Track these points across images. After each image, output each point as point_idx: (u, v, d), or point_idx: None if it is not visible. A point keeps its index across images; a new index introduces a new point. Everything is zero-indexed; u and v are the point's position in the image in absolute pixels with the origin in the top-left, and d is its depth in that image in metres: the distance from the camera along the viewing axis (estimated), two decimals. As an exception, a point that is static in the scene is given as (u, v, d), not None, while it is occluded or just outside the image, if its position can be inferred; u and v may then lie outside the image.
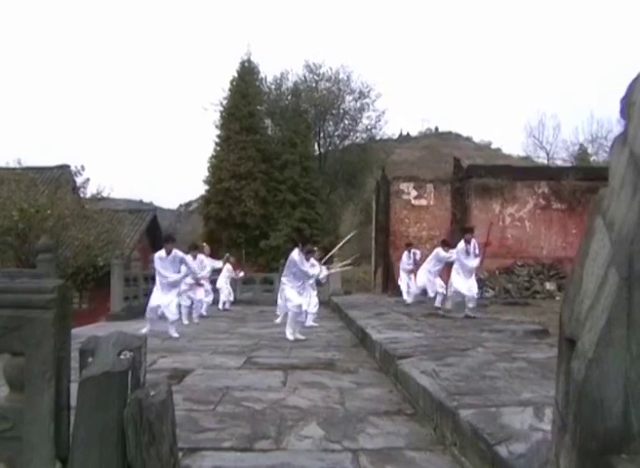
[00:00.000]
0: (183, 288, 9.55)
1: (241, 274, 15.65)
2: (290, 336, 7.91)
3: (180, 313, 9.07)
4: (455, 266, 9.83)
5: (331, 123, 31.54)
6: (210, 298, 12.13)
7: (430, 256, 11.89)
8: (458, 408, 3.02)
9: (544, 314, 9.01)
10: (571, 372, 1.61)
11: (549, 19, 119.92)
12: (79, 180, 19.92)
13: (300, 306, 8.21)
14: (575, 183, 16.32)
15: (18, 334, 1.96)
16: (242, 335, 8.52)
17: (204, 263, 11.17)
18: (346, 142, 32.51)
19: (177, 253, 8.36)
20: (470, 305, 9.29)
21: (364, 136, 32.45)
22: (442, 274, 11.82)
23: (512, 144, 59.71)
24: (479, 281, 16.26)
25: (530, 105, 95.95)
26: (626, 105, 1.61)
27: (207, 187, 27.89)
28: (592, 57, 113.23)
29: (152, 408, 1.89)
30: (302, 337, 7.97)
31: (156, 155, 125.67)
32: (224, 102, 28.16)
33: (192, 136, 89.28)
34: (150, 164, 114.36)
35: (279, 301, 9.33)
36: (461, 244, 9.55)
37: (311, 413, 3.79)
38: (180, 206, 57.10)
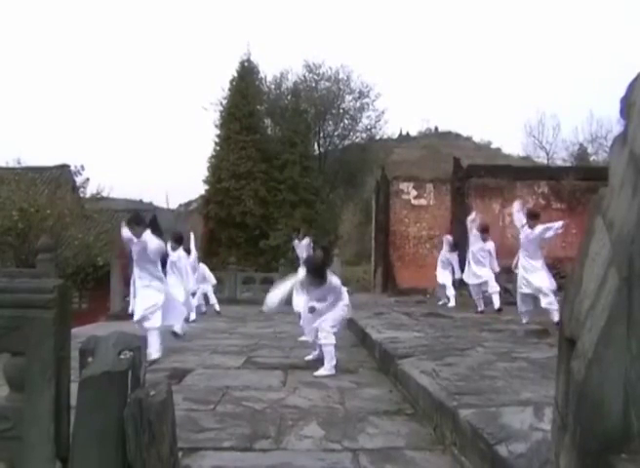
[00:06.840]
0: None
1: None
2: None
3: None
4: None
5: (331, 123, 31.54)
6: None
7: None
8: (457, 407, 3.02)
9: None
10: (571, 372, 1.61)
11: (549, 19, 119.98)
12: (79, 180, 19.93)
13: None
14: (575, 183, 16.30)
15: (18, 334, 1.96)
16: (242, 335, 8.51)
17: None
18: (346, 142, 32.51)
19: None
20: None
21: (364, 135, 32.48)
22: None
23: (512, 144, 59.67)
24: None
25: (530, 105, 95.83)
26: (626, 105, 1.61)
27: (207, 187, 27.88)
28: (593, 56, 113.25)
29: (152, 408, 1.89)
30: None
31: (156, 155, 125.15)
32: (224, 102, 28.17)
33: (192, 136, 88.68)
34: (150, 164, 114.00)
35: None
36: None
37: (311, 413, 3.80)
38: (180, 206, 56.91)
